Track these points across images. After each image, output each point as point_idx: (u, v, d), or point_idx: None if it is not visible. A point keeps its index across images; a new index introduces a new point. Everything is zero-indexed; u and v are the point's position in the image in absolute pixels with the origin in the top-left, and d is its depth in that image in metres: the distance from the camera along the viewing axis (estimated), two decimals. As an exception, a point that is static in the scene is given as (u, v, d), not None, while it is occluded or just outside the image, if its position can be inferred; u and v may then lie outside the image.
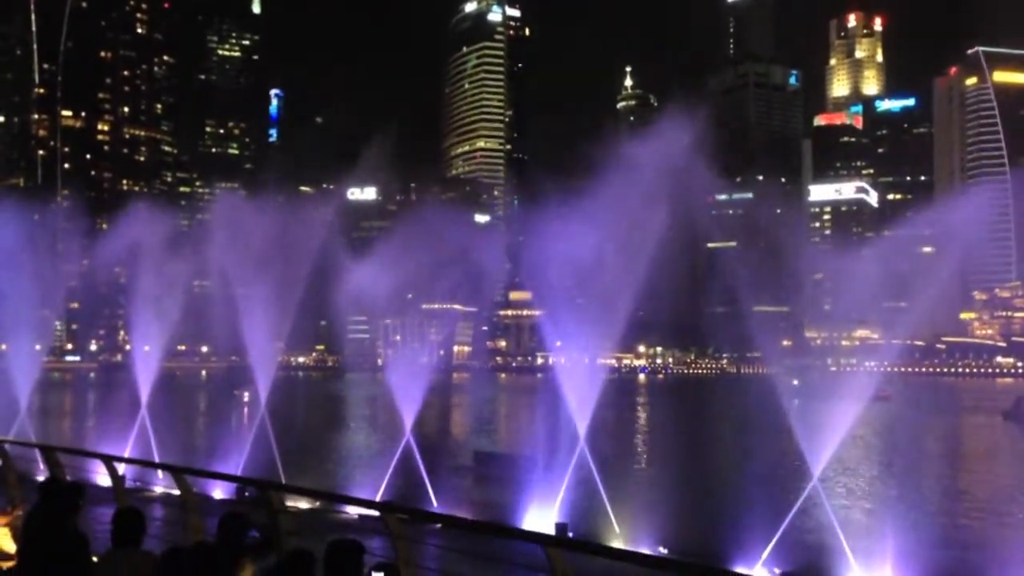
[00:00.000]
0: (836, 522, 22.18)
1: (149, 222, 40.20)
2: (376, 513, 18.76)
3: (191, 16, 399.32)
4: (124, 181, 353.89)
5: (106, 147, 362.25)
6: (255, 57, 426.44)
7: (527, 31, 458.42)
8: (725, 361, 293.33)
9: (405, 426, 32.24)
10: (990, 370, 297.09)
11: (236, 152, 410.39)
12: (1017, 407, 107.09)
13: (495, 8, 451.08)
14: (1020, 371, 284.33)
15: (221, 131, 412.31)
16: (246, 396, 44.36)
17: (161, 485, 29.34)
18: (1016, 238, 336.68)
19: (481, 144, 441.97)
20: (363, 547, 8.18)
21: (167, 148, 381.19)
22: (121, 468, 22.72)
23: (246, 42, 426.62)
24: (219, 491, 27.69)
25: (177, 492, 18.12)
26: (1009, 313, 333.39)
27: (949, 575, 22.22)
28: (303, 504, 26.93)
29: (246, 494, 22.47)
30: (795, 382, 26.51)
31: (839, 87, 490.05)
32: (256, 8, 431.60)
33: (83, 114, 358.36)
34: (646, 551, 23.81)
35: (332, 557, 8.05)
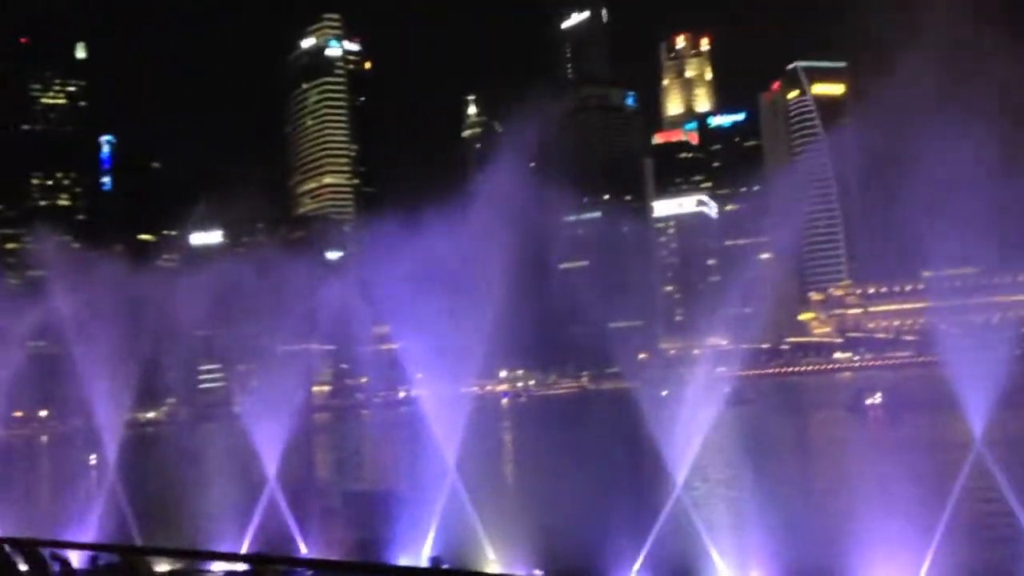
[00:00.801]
0: (702, 527, 22.85)
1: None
2: (244, 567, 18.09)
3: (10, 64, 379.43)
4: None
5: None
6: (82, 103, 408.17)
7: (367, 64, 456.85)
8: (585, 379, 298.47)
9: (268, 474, 31.29)
10: (830, 366, 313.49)
11: (67, 203, 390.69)
12: (856, 400, 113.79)
13: (333, 43, 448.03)
14: (856, 364, 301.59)
15: (49, 182, 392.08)
16: (93, 459, 41.99)
17: (5, 563, 27.38)
18: (845, 240, 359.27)
19: (328, 180, 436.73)
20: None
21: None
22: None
23: (71, 88, 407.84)
24: (72, 560, 26.07)
25: (24, 568, 16.95)
26: (842, 311, 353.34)
27: (810, 569, 23.19)
28: (164, 566, 25.71)
29: (99, 563, 21.25)
30: (663, 393, 27.18)
31: (673, 106, 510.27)
32: (81, 53, 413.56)
33: None
34: (521, 574, 23.84)
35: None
